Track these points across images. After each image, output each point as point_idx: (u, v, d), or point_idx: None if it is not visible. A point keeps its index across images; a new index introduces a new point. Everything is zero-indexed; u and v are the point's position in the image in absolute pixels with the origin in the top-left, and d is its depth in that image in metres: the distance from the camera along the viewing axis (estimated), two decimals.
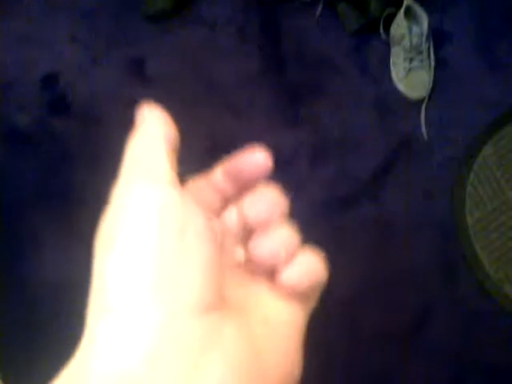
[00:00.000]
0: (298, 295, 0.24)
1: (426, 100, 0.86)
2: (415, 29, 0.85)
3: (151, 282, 0.19)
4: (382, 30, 0.87)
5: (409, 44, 0.84)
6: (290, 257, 0.24)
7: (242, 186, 0.26)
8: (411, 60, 0.85)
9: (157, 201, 0.21)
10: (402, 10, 0.84)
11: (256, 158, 0.25)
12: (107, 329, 0.19)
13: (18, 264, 0.81)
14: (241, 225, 0.25)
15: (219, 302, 0.21)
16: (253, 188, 0.25)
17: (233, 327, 0.21)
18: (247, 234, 0.25)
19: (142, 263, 0.20)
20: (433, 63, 0.87)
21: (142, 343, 0.18)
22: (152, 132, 0.24)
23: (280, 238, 0.24)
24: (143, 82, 0.90)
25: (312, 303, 0.25)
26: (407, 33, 0.84)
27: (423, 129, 0.86)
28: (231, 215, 0.26)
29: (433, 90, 0.87)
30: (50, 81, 0.89)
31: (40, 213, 0.81)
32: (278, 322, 0.23)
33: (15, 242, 0.81)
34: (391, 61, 0.87)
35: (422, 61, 0.86)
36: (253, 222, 0.24)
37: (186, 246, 0.20)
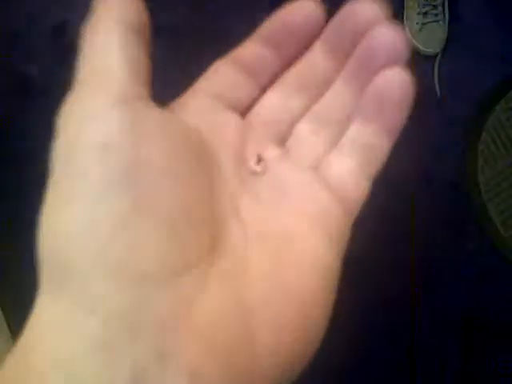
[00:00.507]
0: (381, 112, 0.19)
1: (439, 55, 0.85)
2: None
3: (94, 246, 0.15)
4: None
5: None
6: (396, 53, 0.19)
7: (290, 50, 0.21)
8: (425, 14, 0.84)
9: (96, 130, 0.15)
10: None
11: (306, 7, 0.20)
12: (57, 308, 0.14)
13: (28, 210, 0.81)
14: (283, 111, 0.21)
15: (201, 257, 0.16)
16: (303, 50, 0.20)
17: (220, 287, 0.16)
18: (287, 125, 0.21)
19: (78, 219, 0.15)
20: (447, 18, 0.86)
21: (91, 328, 0.14)
22: (107, 19, 0.17)
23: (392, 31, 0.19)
24: (151, 31, 0.88)
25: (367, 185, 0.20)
26: None
27: (436, 84, 0.84)
28: (270, 102, 0.21)
29: (446, 45, 0.86)
30: (60, 30, 0.88)
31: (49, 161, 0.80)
32: (307, 247, 0.18)
33: (23, 188, 0.81)
34: (405, 15, 0.85)
35: (436, 15, 0.85)
36: (359, 23, 0.19)
37: (142, 192, 0.15)
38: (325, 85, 0.21)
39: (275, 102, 0.21)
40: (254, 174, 0.20)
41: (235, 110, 0.21)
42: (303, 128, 0.21)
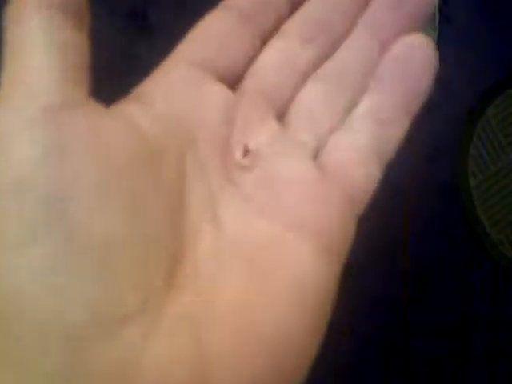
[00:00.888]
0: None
1: None
2: None
3: (19, 300, 0.12)
4: None
5: None
6: None
7: None
8: None
9: (8, 163, 0.12)
10: None
11: None
12: None
13: None
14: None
15: (151, 297, 0.13)
16: None
17: (172, 333, 0.13)
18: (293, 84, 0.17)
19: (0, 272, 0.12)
20: (437, 19, 0.86)
21: None
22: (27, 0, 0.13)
23: None
24: (144, 32, 0.87)
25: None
26: None
27: None
28: (270, 60, 0.17)
29: (436, 47, 0.85)
30: None
31: None
32: (293, 266, 0.15)
33: None
34: None
35: None
36: None
37: (70, 232, 0.12)
38: (342, 31, 0.18)
39: (276, 59, 0.17)
40: (241, 168, 0.17)
41: (224, 77, 0.17)
42: (309, 93, 0.18)
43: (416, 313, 0.85)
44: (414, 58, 0.17)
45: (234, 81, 0.17)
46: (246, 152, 0.17)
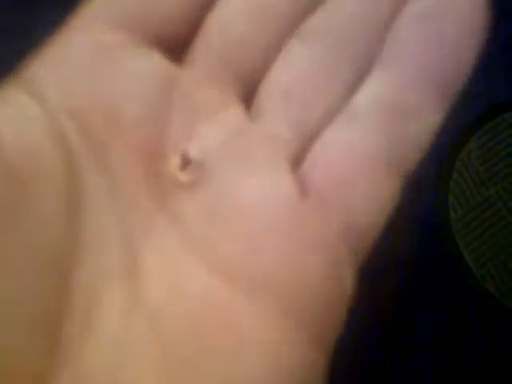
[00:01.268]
0: None
1: None
2: None
3: None
4: None
5: None
6: None
7: None
8: None
9: None
10: None
11: None
12: None
13: None
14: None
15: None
16: None
17: None
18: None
19: None
20: None
21: None
22: None
23: None
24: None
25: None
26: None
27: None
28: (233, 11, 0.11)
29: None
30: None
31: None
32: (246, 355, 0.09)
33: None
34: None
35: None
36: None
37: None
38: None
39: (242, 6, 0.11)
40: (177, 187, 0.11)
41: (163, 41, 0.10)
42: (292, 60, 0.11)
43: (399, 346, 0.83)
44: (451, 13, 0.11)
45: (178, 45, 0.11)
46: (186, 162, 0.11)
